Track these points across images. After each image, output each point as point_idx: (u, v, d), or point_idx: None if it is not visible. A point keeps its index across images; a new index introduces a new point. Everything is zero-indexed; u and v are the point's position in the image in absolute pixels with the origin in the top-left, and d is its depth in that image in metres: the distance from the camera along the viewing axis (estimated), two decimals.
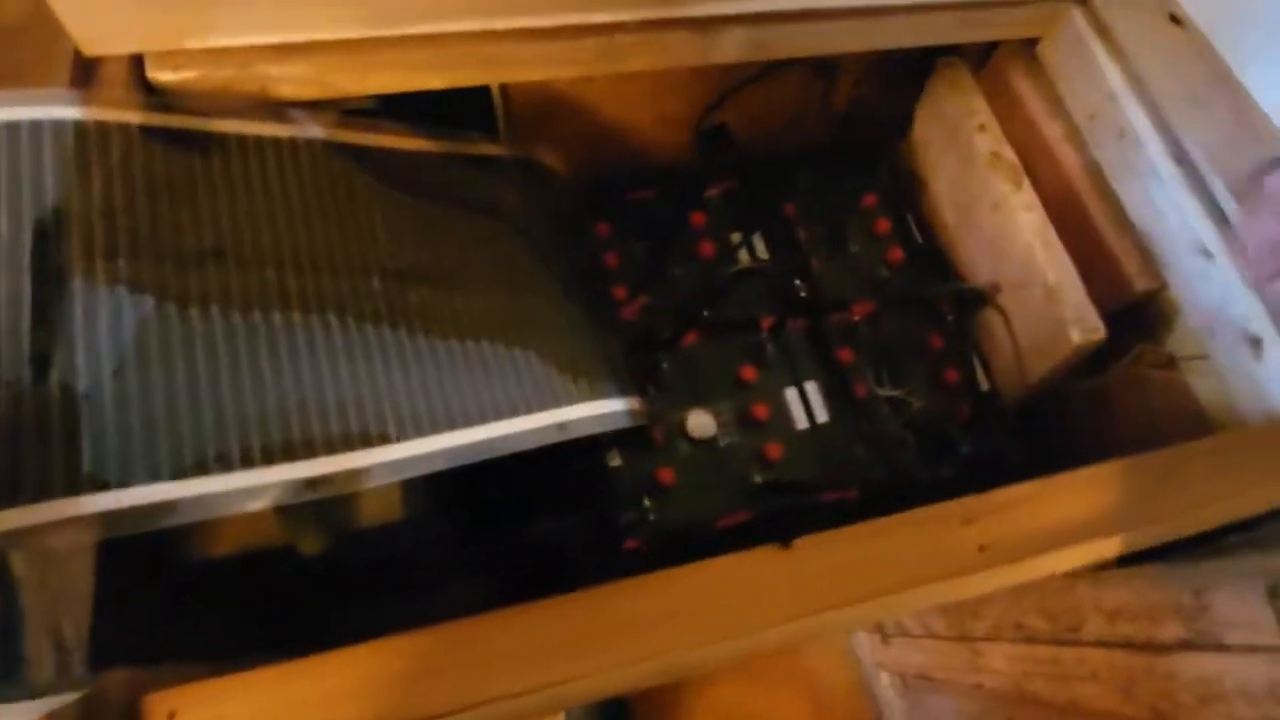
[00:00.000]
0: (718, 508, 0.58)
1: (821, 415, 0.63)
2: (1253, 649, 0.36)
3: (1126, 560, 0.39)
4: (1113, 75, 0.56)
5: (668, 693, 0.84)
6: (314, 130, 0.48)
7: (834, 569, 0.35)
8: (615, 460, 0.59)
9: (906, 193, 0.76)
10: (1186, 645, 0.39)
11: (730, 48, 0.52)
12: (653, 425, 0.59)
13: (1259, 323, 0.49)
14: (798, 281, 0.69)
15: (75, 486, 0.32)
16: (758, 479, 0.59)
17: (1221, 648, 0.37)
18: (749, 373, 0.64)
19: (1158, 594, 0.40)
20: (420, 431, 0.38)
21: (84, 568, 0.34)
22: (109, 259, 0.38)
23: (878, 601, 0.34)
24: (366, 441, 0.37)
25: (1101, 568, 0.39)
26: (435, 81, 0.47)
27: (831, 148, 0.83)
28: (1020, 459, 0.63)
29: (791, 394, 0.64)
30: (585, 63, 0.50)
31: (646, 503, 0.57)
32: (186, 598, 0.40)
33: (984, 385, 0.66)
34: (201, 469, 0.34)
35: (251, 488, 0.34)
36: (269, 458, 0.35)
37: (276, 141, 0.47)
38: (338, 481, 0.35)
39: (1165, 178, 0.53)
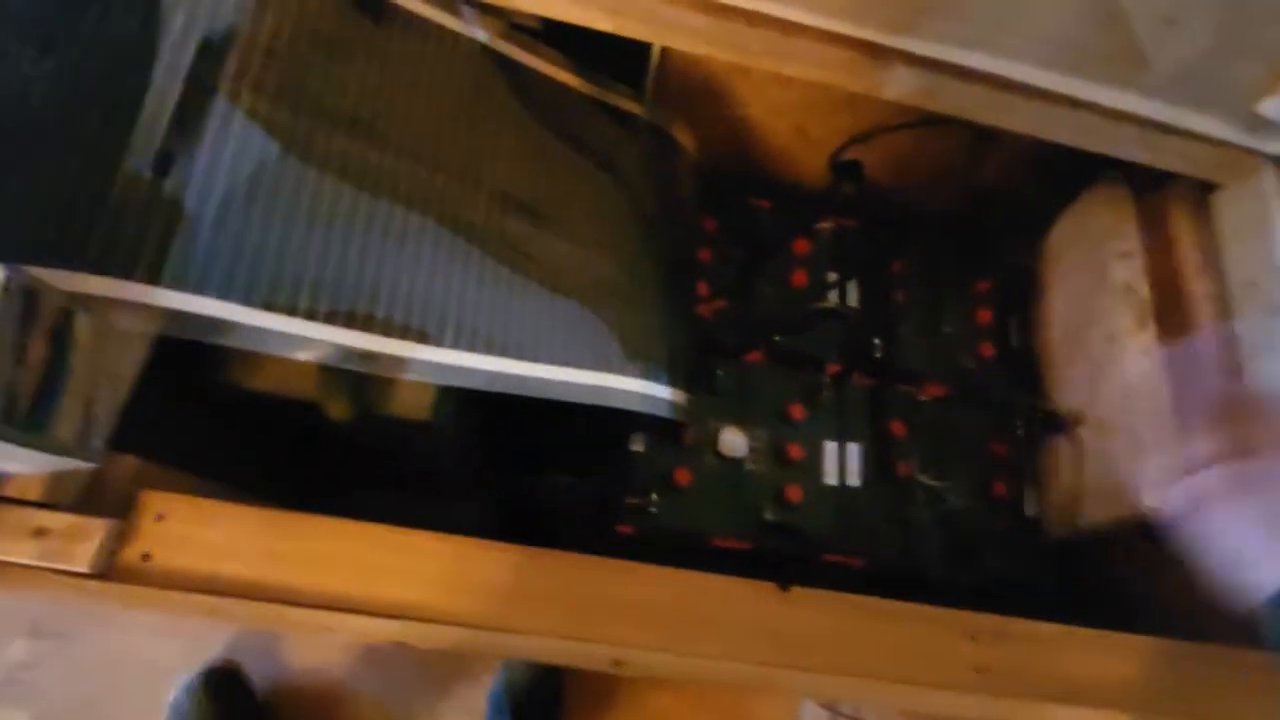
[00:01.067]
0: (720, 527, 0.57)
1: (853, 479, 0.61)
2: None
3: None
4: None
5: (604, 686, 0.84)
6: (479, 32, 0.49)
7: (828, 633, 0.34)
8: (639, 445, 0.59)
9: (1020, 293, 0.72)
10: None
11: (898, 85, 0.51)
12: (688, 425, 0.58)
13: None
14: (878, 340, 0.67)
15: (155, 277, 0.34)
16: (768, 515, 0.58)
17: None
18: (798, 411, 0.62)
19: None
20: (472, 347, 0.38)
21: (136, 354, 0.35)
22: (256, 92, 0.40)
23: (861, 682, 0.32)
24: (421, 337, 0.37)
25: None
26: (604, 23, 0.47)
27: (962, 223, 0.79)
28: (1053, 592, 0.59)
29: (831, 447, 0.62)
30: (751, 52, 0.49)
31: (655, 495, 0.56)
32: (215, 420, 0.41)
33: (1030, 510, 0.63)
34: (270, 306, 0.35)
35: (305, 338, 0.35)
36: (331, 318, 0.36)
37: (441, 31, 0.48)
38: (382, 362, 0.36)
39: None
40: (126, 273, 0.33)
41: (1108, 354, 0.59)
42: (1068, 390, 0.64)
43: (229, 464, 0.42)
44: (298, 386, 0.40)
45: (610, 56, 0.57)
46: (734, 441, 0.60)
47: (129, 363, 0.35)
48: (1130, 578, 0.62)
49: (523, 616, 0.31)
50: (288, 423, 0.41)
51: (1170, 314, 0.60)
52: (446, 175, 0.43)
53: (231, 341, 0.34)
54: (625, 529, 0.56)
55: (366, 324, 0.36)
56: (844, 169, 0.76)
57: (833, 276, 0.70)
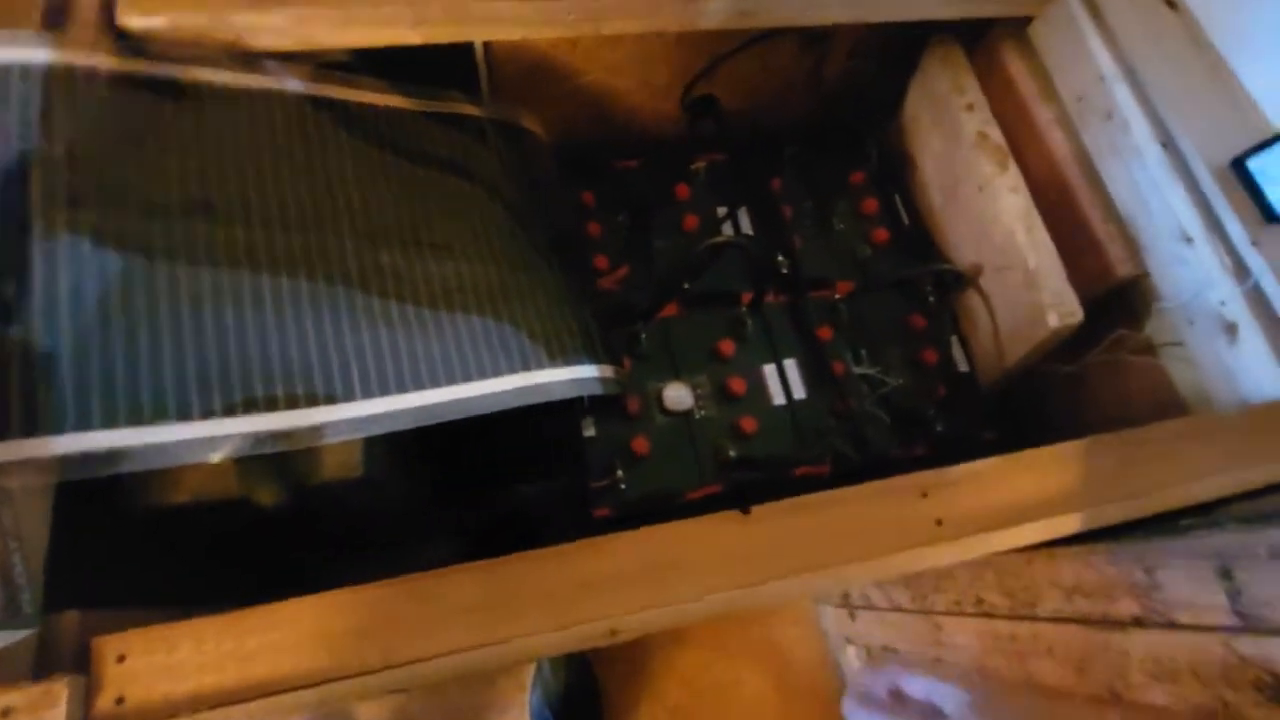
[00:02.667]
0: (690, 479, 0.59)
1: (799, 392, 0.63)
2: (1204, 629, 0.36)
3: (1084, 538, 0.39)
4: (1102, 57, 0.55)
5: (635, 660, 0.86)
6: (289, 82, 0.47)
7: (791, 537, 0.35)
8: (590, 430, 0.59)
9: (896, 173, 0.75)
10: (1139, 622, 0.39)
11: (715, 14, 0.52)
12: (627, 395, 0.59)
13: (1234, 308, 0.49)
14: (780, 258, 0.68)
15: (33, 429, 0.32)
16: (731, 452, 0.60)
17: (1174, 626, 0.38)
18: (727, 347, 0.64)
19: (1112, 571, 0.41)
20: (384, 390, 0.38)
21: (40, 509, 0.34)
22: (73, 207, 0.38)
23: (833, 570, 0.34)
24: (329, 398, 0.37)
25: (1059, 544, 0.40)
26: (413, 37, 0.47)
27: (822, 124, 0.82)
28: (994, 439, 0.63)
29: (769, 370, 0.64)
30: (566, 23, 0.49)
31: (619, 472, 0.57)
32: (144, 543, 0.40)
33: (962, 366, 0.66)
34: (160, 418, 0.34)
35: (209, 438, 0.34)
36: (229, 410, 0.35)
37: (250, 92, 0.46)
38: (297, 436, 0.35)
39: (1150, 162, 0.52)
40: (1, 434, 0.32)
41: (982, 203, 0.62)
42: (961, 246, 0.67)
43: (174, 586, 0.40)
44: (220, 486, 0.39)
45: (438, 67, 0.57)
46: (677, 395, 0.61)
47: (36, 520, 0.33)
48: (1063, 410, 0.66)
49: (510, 622, 0.32)
50: (224, 524, 0.40)
51: (1026, 147, 0.63)
52: (302, 230, 0.42)
53: (135, 466, 0.33)
54: (602, 512, 0.56)
55: (269, 404, 0.35)
56: (698, 106, 0.77)
57: (721, 211, 0.71)
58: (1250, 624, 0.34)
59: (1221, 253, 0.49)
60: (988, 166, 0.61)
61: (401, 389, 0.39)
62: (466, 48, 0.59)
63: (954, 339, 0.67)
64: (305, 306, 0.39)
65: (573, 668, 0.84)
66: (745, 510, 0.36)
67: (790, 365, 0.64)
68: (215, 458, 0.35)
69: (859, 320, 0.66)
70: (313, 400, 0.36)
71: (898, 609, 0.59)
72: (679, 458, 0.59)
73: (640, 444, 0.59)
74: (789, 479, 0.60)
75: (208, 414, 0.34)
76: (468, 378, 0.42)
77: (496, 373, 0.43)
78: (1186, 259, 0.51)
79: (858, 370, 0.64)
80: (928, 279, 0.67)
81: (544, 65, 0.66)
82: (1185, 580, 0.37)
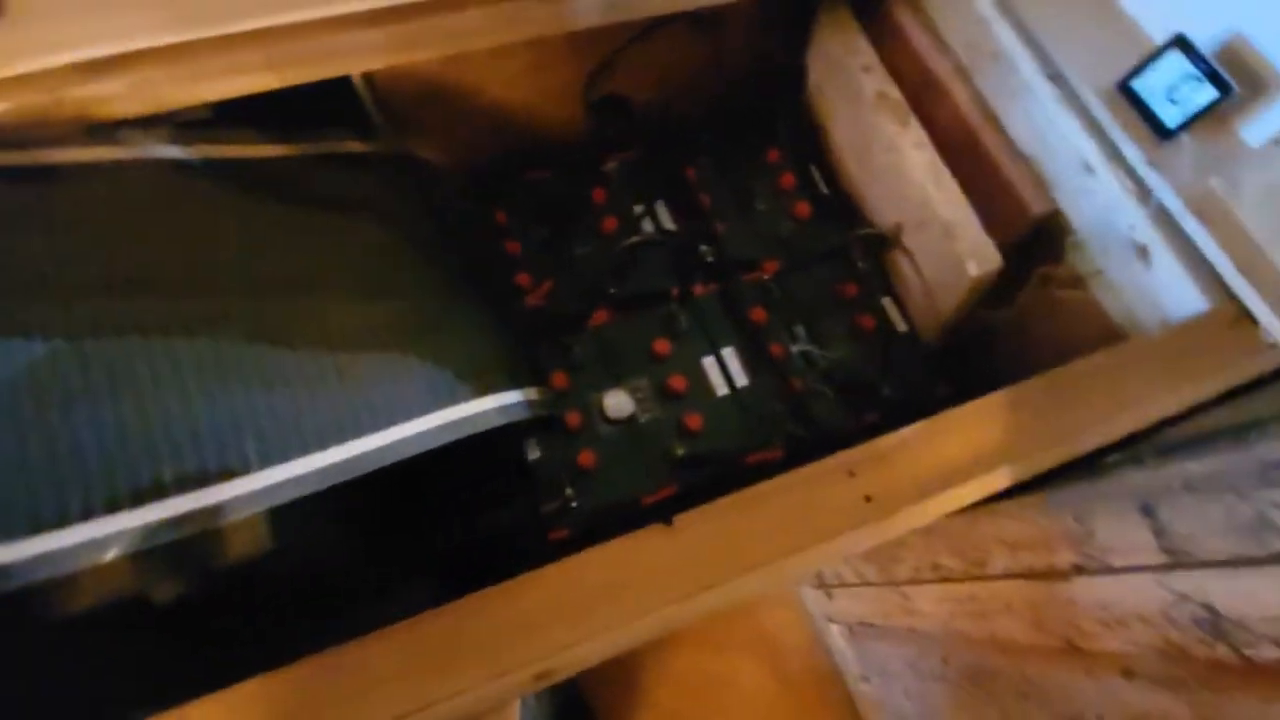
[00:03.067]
0: (642, 485, 0.57)
1: (741, 379, 0.62)
2: (1138, 569, 0.36)
3: (1025, 487, 0.39)
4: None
5: (627, 670, 0.85)
6: (150, 149, 0.45)
7: (719, 541, 0.34)
8: (535, 452, 0.58)
9: (810, 144, 0.75)
10: (1081, 570, 0.39)
11: (587, 11, 0.50)
12: (560, 412, 0.57)
13: (1143, 231, 0.49)
14: (703, 247, 0.67)
15: None
16: (680, 451, 0.58)
17: (1111, 570, 0.38)
18: (663, 345, 0.62)
19: (1047, 522, 0.40)
20: (286, 455, 0.36)
21: None
22: None
23: (766, 569, 0.33)
24: (223, 474, 0.35)
25: (1001, 499, 0.39)
26: (271, 81, 0.45)
27: (733, 106, 0.81)
28: (949, 394, 0.62)
29: (709, 361, 0.63)
30: (434, 44, 0.47)
31: (569, 490, 0.56)
32: (54, 659, 0.38)
33: (901, 327, 0.66)
34: (39, 529, 0.32)
35: (96, 540, 0.32)
36: (113, 505, 0.33)
37: (109, 165, 0.44)
38: (195, 520, 0.33)
39: (1042, 97, 0.52)
40: None
41: (892, 162, 0.62)
42: (881, 208, 0.66)
43: (102, 698, 0.38)
44: (118, 585, 0.37)
45: (323, 105, 0.55)
46: (618, 403, 0.60)
47: None
48: (1010, 354, 0.66)
49: (439, 682, 0.30)
50: (139, 622, 0.38)
51: (930, 100, 0.63)
52: (177, 298, 0.40)
53: (20, 581, 0.31)
54: (558, 535, 0.55)
55: (157, 492, 0.33)
56: (605, 105, 0.76)
57: (639, 208, 0.70)
58: (1179, 559, 0.33)
59: (1122, 176, 0.49)
60: (891, 126, 0.61)
61: (306, 450, 0.37)
62: (345, 82, 0.57)
63: (889, 301, 0.66)
64: (187, 377, 0.36)
65: (559, 689, 0.83)
66: (668, 521, 0.35)
67: (729, 354, 0.63)
68: (110, 556, 0.33)
69: (791, 297, 0.66)
70: (206, 479, 0.34)
71: (867, 583, 0.59)
72: (628, 466, 0.58)
73: (587, 458, 0.57)
74: (743, 469, 0.59)
75: (88, 514, 0.32)
76: (380, 425, 0.41)
77: (410, 415, 0.42)
78: (1091, 188, 0.51)
79: (796, 349, 0.63)
80: (853, 246, 0.67)
81: (436, 88, 0.65)
82: (1114, 524, 0.37)
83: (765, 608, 0.83)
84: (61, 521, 0.32)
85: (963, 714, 0.56)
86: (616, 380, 0.61)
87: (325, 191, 0.50)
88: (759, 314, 0.65)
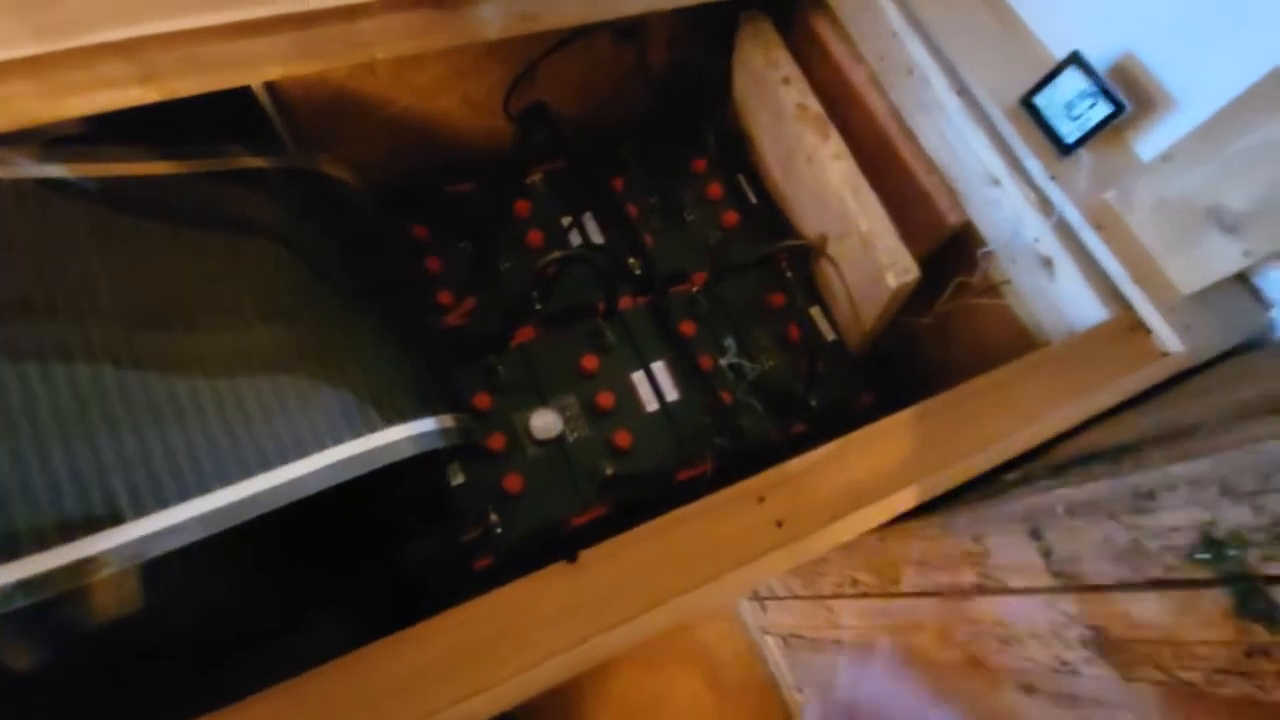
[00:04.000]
0: (571, 507, 0.56)
1: (671, 394, 0.62)
2: (1031, 590, 0.36)
3: (930, 507, 0.39)
4: (892, 13, 0.55)
5: (564, 696, 0.83)
6: (20, 167, 0.42)
7: (626, 576, 0.33)
8: (459, 477, 0.56)
9: (737, 154, 0.75)
10: (981, 590, 0.40)
11: (494, 21, 0.49)
12: (482, 436, 0.55)
13: (1047, 243, 0.50)
14: (631, 259, 0.67)
15: None
16: (609, 471, 0.57)
17: (1008, 590, 0.38)
18: (590, 362, 0.61)
19: (950, 541, 0.41)
20: (163, 502, 0.34)
21: None
22: None
23: (675, 602, 0.32)
24: (89, 525, 0.32)
25: (910, 518, 0.39)
26: (150, 94, 0.42)
27: (660, 116, 0.80)
28: (872, 401, 0.63)
29: (638, 376, 0.62)
30: (329, 55, 0.45)
31: (493, 517, 0.54)
32: None
33: (829, 336, 0.66)
34: None
35: None
36: None
37: None
38: (55, 580, 0.30)
39: (950, 111, 0.53)
40: None
41: (813, 173, 0.62)
42: (806, 218, 0.67)
43: None
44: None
45: (224, 118, 0.51)
46: (545, 423, 0.59)
47: None
48: (933, 360, 0.67)
49: None
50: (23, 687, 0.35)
51: (848, 111, 0.64)
52: (35, 325, 0.36)
53: None
54: (483, 563, 0.53)
55: (9, 550, 0.30)
56: (528, 116, 0.74)
57: (565, 221, 0.69)
58: (1067, 583, 0.34)
59: (1026, 190, 0.50)
60: (811, 137, 0.61)
61: (185, 495, 0.34)
62: (245, 93, 0.54)
63: (818, 310, 0.66)
64: (43, 421, 0.33)
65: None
66: (572, 559, 0.34)
67: (659, 368, 0.63)
68: None
69: (719, 309, 0.66)
70: (65, 534, 0.31)
71: (795, 596, 0.59)
72: (556, 487, 0.57)
73: (513, 481, 0.56)
74: (672, 486, 0.58)
75: None
76: (273, 463, 0.38)
77: (307, 450, 0.39)
78: (999, 201, 0.52)
79: (725, 361, 0.63)
80: (780, 254, 0.67)
81: (345, 99, 0.62)
82: (1007, 545, 0.38)
83: (702, 620, 0.83)
84: None
85: None
86: (543, 399, 0.60)
87: (216, 211, 0.47)
88: (688, 327, 0.64)
